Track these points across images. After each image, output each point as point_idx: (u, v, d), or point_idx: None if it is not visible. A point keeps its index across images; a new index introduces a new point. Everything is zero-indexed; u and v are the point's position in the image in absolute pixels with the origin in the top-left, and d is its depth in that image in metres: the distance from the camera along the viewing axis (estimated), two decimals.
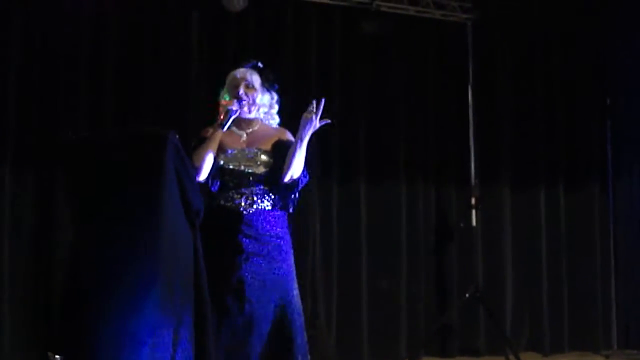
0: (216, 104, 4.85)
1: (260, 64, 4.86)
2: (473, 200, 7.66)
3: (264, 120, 4.85)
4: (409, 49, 7.90)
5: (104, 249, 4.16)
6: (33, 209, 6.56)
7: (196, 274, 4.34)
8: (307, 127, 4.56)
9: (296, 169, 4.63)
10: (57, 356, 3.96)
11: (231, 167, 4.68)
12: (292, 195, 4.74)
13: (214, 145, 4.62)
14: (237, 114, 4.68)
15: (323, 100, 4.56)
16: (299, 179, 4.68)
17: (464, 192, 7.84)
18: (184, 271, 4.28)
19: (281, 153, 4.68)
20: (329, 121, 4.62)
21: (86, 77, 6.78)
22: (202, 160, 4.58)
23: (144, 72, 6.95)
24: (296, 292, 4.68)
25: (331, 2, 7.52)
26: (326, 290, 7.37)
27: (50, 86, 6.67)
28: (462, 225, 7.75)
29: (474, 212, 7.71)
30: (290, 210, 4.79)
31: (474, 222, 7.71)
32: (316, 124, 4.58)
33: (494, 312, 7.65)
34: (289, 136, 4.77)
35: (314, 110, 4.54)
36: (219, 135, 4.63)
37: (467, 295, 7.42)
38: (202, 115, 7.02)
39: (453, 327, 7.81)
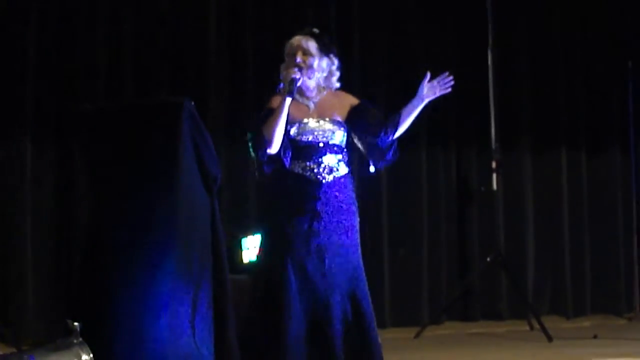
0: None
1: (315, 30, 4.82)
2: (494, 164, 7.61)
3: (325, 87, 4.83)
4: (428, 13, 7.84)
5: (121, 217, 4.21)
6: (54, 178, 6.62)
7: (214, 240, 4.39)
8: (430, 94, 4.81)
9: (406, 127, 4.83)
10: (75, 323, 4.00)
11: (308, 138, 4.68)
12: (390, 153, 4.87)
13: (284, 115, 4.58)
14: (301, 81, 4.64)
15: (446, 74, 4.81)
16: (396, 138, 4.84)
17: (484, 155, 7.79)
18: (202, 237, 4.32)
19: (367, 114, 4.82)
20: (449, 90, 4.84)
21: (104, 47, 6.81)
22: (272, 131, 4.54)
23: (162, 43, 6.97)
24: (360, 255, 4.79)
25: None
26: None
27: (68, 57, 6.72)
28: (483, 189, 7.73)
29: (494, 175, 7.66)
30: (372, 171, 4.96)
31: (494, 186, 7.66)
32: (437, 91, 4.81)
33: (515, 276, 7.65)
34: (355, 99, 4.86)
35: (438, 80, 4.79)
36: (287, 105, 4.57)
37: (488, 259, 7.40)
38: (220, 85, 7.12)
39: (475, 291, 7.81)
